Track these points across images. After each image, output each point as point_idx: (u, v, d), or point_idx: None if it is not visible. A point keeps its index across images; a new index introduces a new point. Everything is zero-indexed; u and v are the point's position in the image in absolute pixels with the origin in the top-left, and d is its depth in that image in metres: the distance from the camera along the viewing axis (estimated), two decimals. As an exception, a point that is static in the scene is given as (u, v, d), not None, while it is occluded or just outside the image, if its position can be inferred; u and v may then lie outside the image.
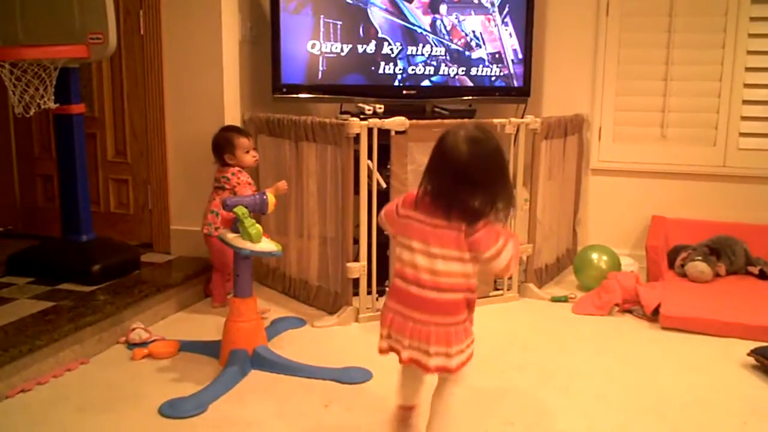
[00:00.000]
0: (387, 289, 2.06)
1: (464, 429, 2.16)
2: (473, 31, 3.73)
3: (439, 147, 1.87)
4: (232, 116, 3.42)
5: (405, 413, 2.09)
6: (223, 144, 3.16)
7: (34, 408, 2.25)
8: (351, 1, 3.50)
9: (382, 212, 2.00)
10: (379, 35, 3.59)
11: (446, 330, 1.86)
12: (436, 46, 3.69)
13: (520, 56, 3.83)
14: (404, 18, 3.62)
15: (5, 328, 2.50)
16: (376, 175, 3.05)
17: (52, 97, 2.87)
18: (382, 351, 1.96)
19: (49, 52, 2.84)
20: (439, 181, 1.85)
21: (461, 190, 1.81)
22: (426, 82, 3.72)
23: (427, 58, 3.69)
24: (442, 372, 1.90)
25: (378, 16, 3.57)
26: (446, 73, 3.74)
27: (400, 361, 1.91)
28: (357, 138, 2.97)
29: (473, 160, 1.81)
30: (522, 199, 3.41)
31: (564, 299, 3.38)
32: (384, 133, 3.02)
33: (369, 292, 3.10)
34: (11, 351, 2.32)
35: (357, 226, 3.06)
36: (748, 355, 2.64)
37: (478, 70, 3.78)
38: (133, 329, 2.78)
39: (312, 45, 3.47)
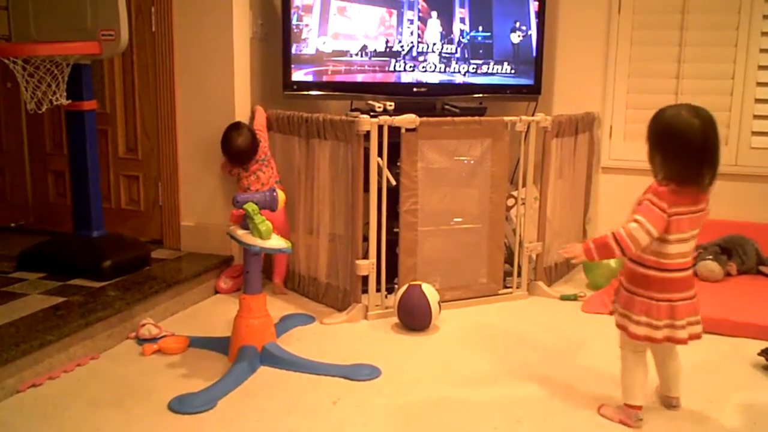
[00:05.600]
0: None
1: (473, 427, 2.16)
2: (484, 27, 3.73)
3: (668, 132, 2.05)
4: (243, 113, 3.43)
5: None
6: (256, 146, 3.23)
7: (45, 402, 2.26)
8: (362, -1, 3.52)
9: (651, 229, 2.01)
10: (390, 32, 3.59)
11: (696, 301, 2.11)
12: (448, 43, 3.68)
13: (533, 53, 3.82)
14: (415, 15, 3.62)
15: (16, 323, 2.52)
16: (386, 173, 3.05)
17: (64, 94, 2.89)
18: (656, 340, 2.08)
19: (62, 49, 2.85)
20: (683, 164, 2.01)
21: (705, 166, 2.00)
22: (436, 80, 3.72)
23: (438, 55, 3.68)
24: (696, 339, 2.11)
25: (389, 13, 3.57)
26: (457, 70, 3.73)
27: (680, 341, 2.07)
28: (367, 135, 2.97)
29: (710, 130, 2.01)
30: (532, 198, 3.41)
31: (574, 298, 3.37)
32: (394, 131, 3.01)
33: (378, 290, 3.10)
34: (22, 346, 2.34)
35: (366, 224, 3.07)
36: (759, 354, 2.63)
37: (489, 68, 3.77)
38: (143, 325, 2.79)
39: (323, 42, 3.47)
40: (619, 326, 2.15)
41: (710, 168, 2.03)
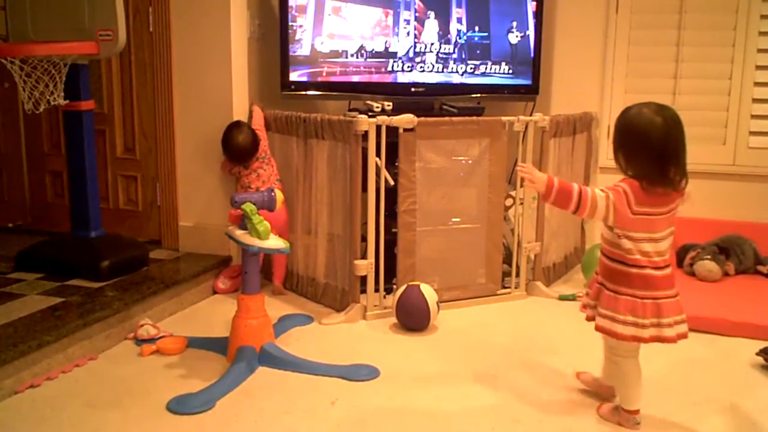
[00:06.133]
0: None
1: (471, 427, 2.16)
2: (481, 27, 3.73)
3: (629, 131, 2.01)
4: (241, 113, 3.43)
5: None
6: (257, 144, 3.25)
7: (43, 403, 2.26)
8: (360, -1, 3.52)
9: (611, 211, 2.00)
10: (386, 33, 3.59)
11: (679, 300, 2.08)
12: (445, 43, 3.68)
13: (531, 53, 3.82)
14: (412, 15, 3.62)
15: (14, 324, 2.52)
16: (384, 173, 3.05)
17: (62, 94, 2.88)
18: (643, 339, 2.04)
19: (59, 49, 2.84)
20: (648, 162, 1.97)
21: (669, 164, 1.96)
22: (434, 80, 3.72)
23: (436, 55, 3.69)
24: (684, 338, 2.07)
25: (385, 13, 3.57)
26: (454, 70, 3.73)
27: (668, 340, 2.02)
28: (365, 135, 2.97)
29: (673, 128, 1.97)
30: (530, 198, 3.41)
31: (572, 297, 3.37)
32: (392, 131, 3.01)
33: (376, 290, 3.10)
34: (20, 346, 2.34)
35: (365, 224, 3.07)
36: (757, 354, 2.63)
37: (487, 68, 3.77)
38: (142, 325, 2.79)
39: (321, 42, 3.47)
40: (603, 329, 2.08)
41: (676, 166, 1.98)
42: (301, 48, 3.44)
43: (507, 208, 3.48)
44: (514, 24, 3.77)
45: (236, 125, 3.26)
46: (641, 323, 2.02)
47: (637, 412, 2.15)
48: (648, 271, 2.03)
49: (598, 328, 2.11)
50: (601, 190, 2.01)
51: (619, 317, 2.04)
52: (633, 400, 2.15)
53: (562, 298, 3.37)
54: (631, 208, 1.99)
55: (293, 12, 3.39)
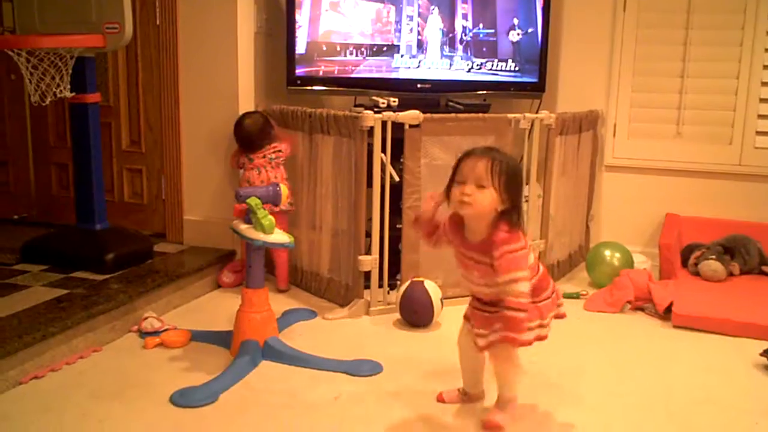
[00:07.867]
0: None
1: (473, 425, 2.17)
2: (487, 24, 3.72)
3: (518, 176, 2.16)
4: (246, 108, 3.43)
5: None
6: (267, 128, 3.27)
7: (47, 394, 2.27)
8: (367, -6, 3.51)
9: (529, 273, 2.07)
10: (389, 29, 3.58)
11: None
12: (450, 40, 3.68)
13: (537, 51, 3.81)
14: (415, 11, 3.61)
15: (19, 315, 2.52)
16: (390, 169, 3.05)
17: (68, 86, 2.89)
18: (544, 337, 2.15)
19: (66, 41, 2.85)
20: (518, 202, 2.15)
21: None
22: (440, 76, 3.71)
23: (441, 52, 3.68)
24: None
25: (387, 9, 3.56)
26: (461, 67, 3.72)
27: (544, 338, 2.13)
28: (371, 131, 2.97)
29: None
30: (535, 195, 3.40)
31: (576, 296, 3.36)
32: (398, 127, 3.01)
33: (380, 286, 3.10)
34: (25, 338, 2.34)
35: (369, 220, 3.07)
36: (761, 355, 2.62)
37: (493, 65, 3.76)
38: (146, 318, 2.79)
39: (327, 37, 3.46)
40: (514, 342, 2.01)
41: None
42: (308, 42, 3.42)
43: (512, 206, 3.47)
44: (520, 21, 3.76)
45: (250, 112, 3.31)
46: (542, 323, 2.11)
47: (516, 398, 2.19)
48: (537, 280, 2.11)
49: (497, 342, 2.05)
50: (518, 279, 2.00)
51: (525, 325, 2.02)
52: (515, 386, 2.19)
53: (566, 296, 3.36)
54: (526, 247, 2.06)
55: (301, 6, 3.39)
